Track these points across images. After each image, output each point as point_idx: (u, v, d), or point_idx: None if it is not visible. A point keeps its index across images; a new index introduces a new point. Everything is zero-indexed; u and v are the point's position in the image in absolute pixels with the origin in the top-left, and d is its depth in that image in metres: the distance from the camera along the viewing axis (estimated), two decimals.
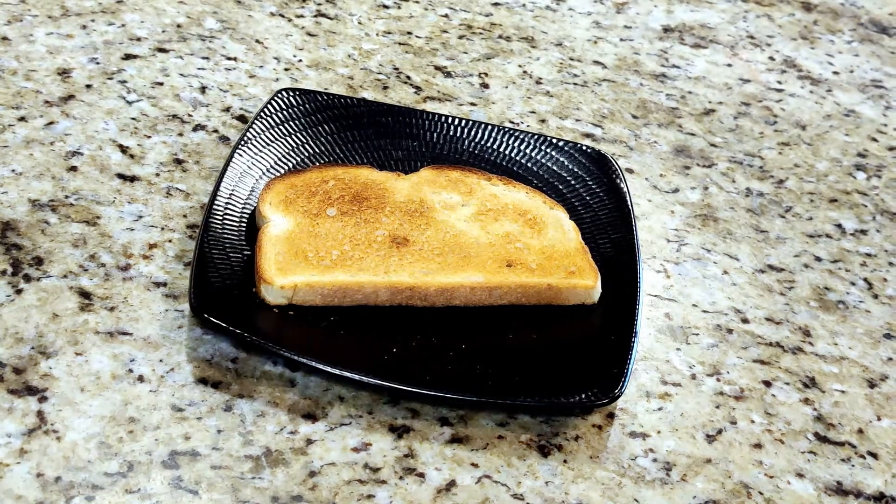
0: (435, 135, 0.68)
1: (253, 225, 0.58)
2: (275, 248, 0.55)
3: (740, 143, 0.79)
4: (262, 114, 0.64)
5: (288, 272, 0.53)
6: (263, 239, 0.55)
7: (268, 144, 0.63)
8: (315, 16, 0.82)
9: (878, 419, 0.57)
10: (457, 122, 0.69)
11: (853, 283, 0.67)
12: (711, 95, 0.84)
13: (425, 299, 0.55)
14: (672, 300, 0.62)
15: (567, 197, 0.64)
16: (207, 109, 0.68)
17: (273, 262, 0.54)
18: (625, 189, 0.65)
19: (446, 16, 0.86)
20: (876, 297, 0.66)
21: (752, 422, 0.54)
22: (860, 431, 0.55)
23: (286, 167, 0.62)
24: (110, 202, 0.59)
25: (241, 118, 0.68)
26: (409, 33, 0.82)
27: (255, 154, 0.62)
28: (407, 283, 0.55)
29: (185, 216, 0.59)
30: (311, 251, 0.55)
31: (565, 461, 0.50)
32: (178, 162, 0.63)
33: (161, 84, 0.69)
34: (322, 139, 0.65)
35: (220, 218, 0.57)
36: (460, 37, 0.84)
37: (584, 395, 0.51)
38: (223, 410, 0.49)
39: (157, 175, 0.62)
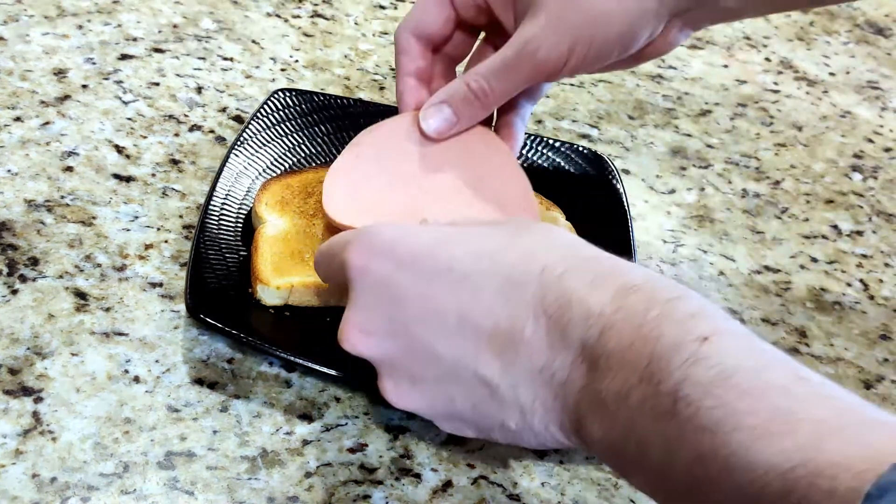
0: None
1: (249, 225, 0.57)
2: (271, 248, 0.55)
3: (737, 144, 0.79)
4: (258, 114, 0.64)
5: (284, 272, 0.53)
6: (259, 239, 0.55)
7: (264, 145, 0.63)
8: (311, 16, 0.82)
9: None
10: None
11: (849, 284, 0.67)
12: (708, 96, 0.84)
13: None
14: None
15: (563, 198, 0.64)
16: (203, 110, 0.68)
17: (269, 262, 0.54)
18: (621, 190, 0.65)
19: None
20: (872, 298, 0.66)
21: None
22: None
23: (282, 168, 0.62)
24: (106, 202, 0.59)
25: (238, 118, 0.68)
26: None
27: (252, 154, 0.62)
28: None
29: (181, 216, 0.59)
30: (308, 252, 0.55)
31: (561, 462, 0.50)
32: (175, 162, 0.63)
33: (157, 84, 0.69)
34: (318, 140, 0.65)
35: (216, 218, 0.57)
36: None
37: None
38: (219, 411, 0.49)
39: (153, 175, 0.62)
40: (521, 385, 0.39)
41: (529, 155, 0.68)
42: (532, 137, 0.69)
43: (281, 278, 0.53)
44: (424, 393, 0.42)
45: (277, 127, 0.64)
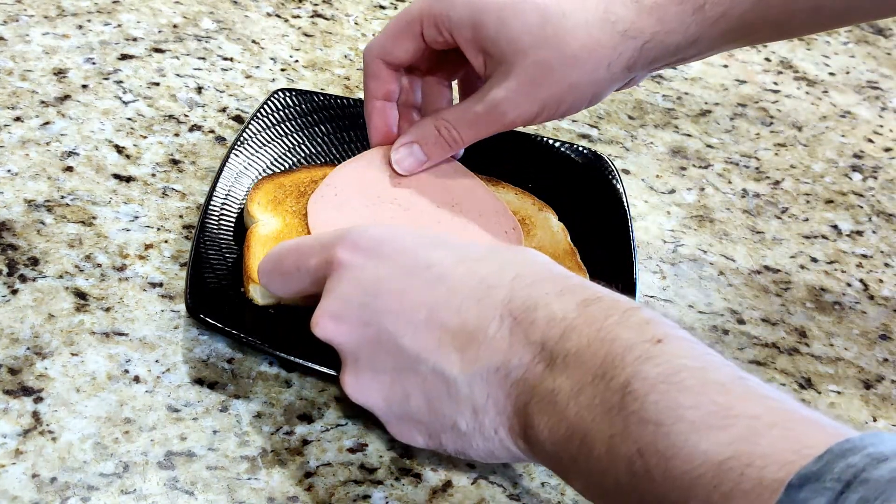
0: None
1: None
2: (263, 247, 0.55)
3: (736, 144, 0.79)
4: (258, 114, 0.64)
5: None
6: (252, 239, 0.55)
7: (264, 145, 0.63)
8: (311, 16, 0.82)
9: (874, 420, 0.57)
10: None
11: (849, 284, 0.67)
12: (708, 96, 0.84)
13: None
14: (668, 301, 0.62)
15: (563, 198, 0.64)
16: (203, 110, 0.68)
17: None
18: (621, 190, 0.65)
19: None
20: (871, 298, 0.66)
21: None
22: None
23: (282, 168, 0.62)
24: (106, 202, 0.59)
25: (238, 118, 0.68)
26: None
27: (252, 154, 0.62)
28: None
29: (181, 216, 0.59)
30: None
31: None
32: (175, 162, 0.63)
33: (157, 84, 0.69)
34: (318, 140, 0.65)
35: (216, 218, 0.57)
36: None
37: None
38: (219, 411, 0.49)
39: (153, 175, 0.62)
40: (477, 382, 0.41)
41: (529, 155, 0.68)
42: (532, 137, 0.69)
43: None
44: (383, 386, 0.43)
45: (277, 127, 0.64)
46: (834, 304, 0.65)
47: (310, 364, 0.49)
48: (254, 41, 0.76)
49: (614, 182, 0.66)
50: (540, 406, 0.39)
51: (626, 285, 0.58)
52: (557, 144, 0.69)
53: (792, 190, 0.75)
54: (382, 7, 0.85)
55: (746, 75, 0.88)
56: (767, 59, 0.92)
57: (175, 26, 0.76)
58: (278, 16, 0.80)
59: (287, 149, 0.63)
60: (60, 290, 0.53)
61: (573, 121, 0.77)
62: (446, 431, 0.43)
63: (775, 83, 0.88)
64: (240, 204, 0.58)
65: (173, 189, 0.61)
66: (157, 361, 0.50)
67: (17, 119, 0.63)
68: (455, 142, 0.57)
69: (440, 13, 0.54)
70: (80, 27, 0.73)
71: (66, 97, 0.66)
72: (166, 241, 0.57)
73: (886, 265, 0.70)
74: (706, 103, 0.83)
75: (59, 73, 0.68)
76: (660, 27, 0.52)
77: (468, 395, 0.41)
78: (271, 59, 0.75)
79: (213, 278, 0.53)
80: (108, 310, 0.52)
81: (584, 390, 0.37)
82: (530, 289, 0.41)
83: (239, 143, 0.62)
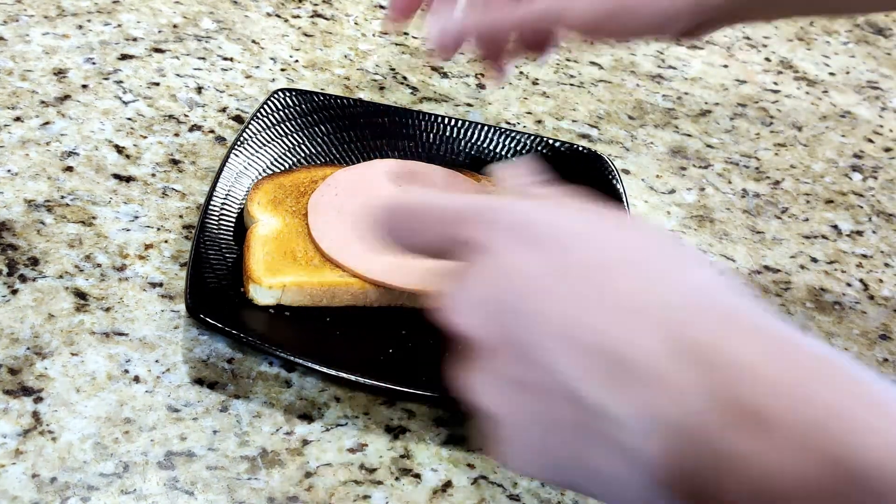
0: (431, 135, 0.68)
1: None
2: (263, 247, 0.55)
3: (736, 143, 0.79)
4: (258, 114, 0.64)
5: (276, 272, 0.53)
6: (252, 239, 0.55)
7: (264, 145, 0.63)
8: (311, 16, 0.82)
9: None
10: (453, 122, 0.69)
11: (849, 285, 0.67)
12: (708, 96, 0.84)
13: (414, 301, 0.55)
14: None
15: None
16: (203, 110, 0.68)
17: (261, 261, 0.54)
18: (621, 190, 0.65)
19: None
20: (872, 298, 0.66)
21: None
22: None
23: (282, 168, 0.62)
24: (106, 202, 0.59)
25: (238, 118, 0.68)
26: (406, 34, 0.82)
27: (252, 154, 0.62)
28: (396, 284, 0.54)
29: (181, 216, 0.59)
30: (300, 251, 0.55)
31: None
32: (175, 162, 0.63)
33: (157, 84, 0.69)
34: (318, 140, 0.65)
35: (216, 218, 0.57)
36: None
37: None
38: (219, 411, 0.49)
39: (153, 175, 0.62)
40: (639, 427, 0.34)
41: (529, 155, 0.68)
42: (532, 137, 0.69)
43: (273, 278, 0.53)
44: (511, 397, 0.36)
45: (277, 127, 0.64)
46: (834, 304, 0.65)
47: (310, 364, 0.49)
48: (254, 41, 0.76)
49: (614, 182, 0.66)
50: (716, 467, 0.32)
51: None
52: (557, 144, 0.69)
53: (792, 190, 0.75)
54: (382, 7, 0.85)
55: (746, 75, 0.88)
56: (767, 59, 0.92)
57: (175, 26, 0.76)
58: (278, 16, 0.80)
59: (287, 149, 0.63)
60: (60, 290, 0.53)
61: (573, 121, 0.77)
62: (579, 469, 0.36)
63: (775, 83, 0.88)
64: (240, 204, 0.59)
65: (173, 189, 0.61)
66: (157, 361, 0.50)
67: (17, 119, 0.63)
68: (498, 24, 0.55)
69: None
70: (80, 27, 0.73)
71: (66, 97, 0.66)
72: (166, 241, 0.57)
73: (886, 265, 0.70)
74: (706, 103, 0.83)
75: (59, 73, 0.68)
76: None
77: (625, 440, 0.34)
78: (271, 59, 0.75)
79: (213, 278, 0.53)
80: (108, 310, 0.52)
81: (783, 459, 0.31)
82: (713, 321, 0.34)
83: (239, 143, 0.61)
